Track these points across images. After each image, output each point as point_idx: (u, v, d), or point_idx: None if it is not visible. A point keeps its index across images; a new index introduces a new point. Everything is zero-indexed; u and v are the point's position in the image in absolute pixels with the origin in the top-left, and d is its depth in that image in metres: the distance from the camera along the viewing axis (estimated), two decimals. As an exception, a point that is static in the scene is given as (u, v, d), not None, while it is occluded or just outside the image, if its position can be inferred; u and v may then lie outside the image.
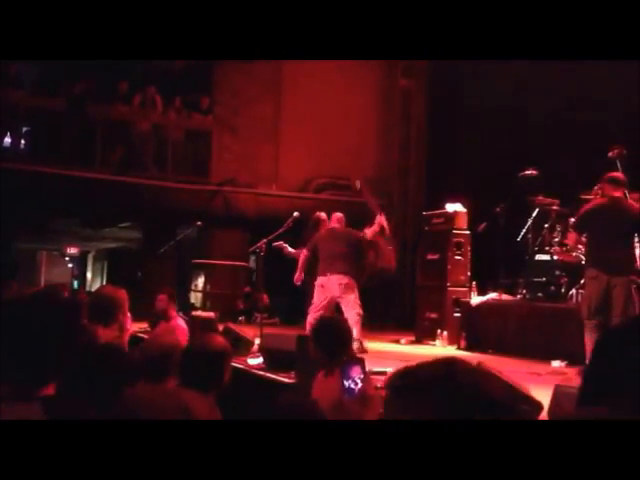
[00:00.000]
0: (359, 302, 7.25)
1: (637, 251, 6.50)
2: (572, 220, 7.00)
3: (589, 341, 5.97)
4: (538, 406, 4.32)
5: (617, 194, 6.19)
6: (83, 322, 2.29)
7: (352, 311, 7.11)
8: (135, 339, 4.89)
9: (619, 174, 6.37)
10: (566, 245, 7.64)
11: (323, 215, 8.10)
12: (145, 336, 6.08)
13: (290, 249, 8.11)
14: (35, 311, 1.81)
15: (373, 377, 3.73)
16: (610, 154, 6.87)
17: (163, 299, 6.71)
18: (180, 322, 6.65)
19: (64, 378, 1.76)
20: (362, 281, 7.60)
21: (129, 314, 3.77)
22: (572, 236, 6.71)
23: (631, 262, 6.20)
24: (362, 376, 2.04)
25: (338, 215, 7.87)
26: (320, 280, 7.38)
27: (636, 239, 6.39)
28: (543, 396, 3.97)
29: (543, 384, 5.30)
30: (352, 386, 2.02)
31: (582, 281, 6.87)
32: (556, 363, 6.58)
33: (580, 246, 6.90)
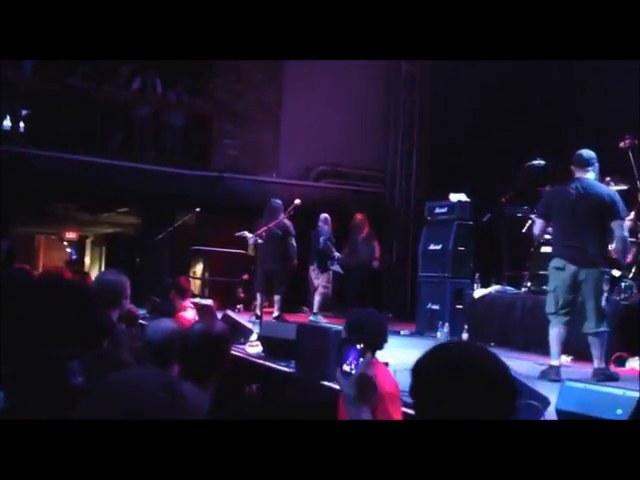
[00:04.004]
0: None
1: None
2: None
3: (554, 339, 5.57)
4: (545, 401, 4.19)
5: (585, 175, 5.55)
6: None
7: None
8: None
9: (587, 151, 5.62)
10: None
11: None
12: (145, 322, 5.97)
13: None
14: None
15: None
16: (621, 144, 6.66)
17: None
18: (187, 314, 6.50)
19: None
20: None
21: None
22: (538, 224, 5.92)
23: (602, 252, 5.54)
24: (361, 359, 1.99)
25: (323, 216, 10.10)
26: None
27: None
28: (548, 391, 3.89)
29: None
30: (349, 370, 1.97)
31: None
32: (561, 358, 6.46)
33: (547, 236, 6.29)
